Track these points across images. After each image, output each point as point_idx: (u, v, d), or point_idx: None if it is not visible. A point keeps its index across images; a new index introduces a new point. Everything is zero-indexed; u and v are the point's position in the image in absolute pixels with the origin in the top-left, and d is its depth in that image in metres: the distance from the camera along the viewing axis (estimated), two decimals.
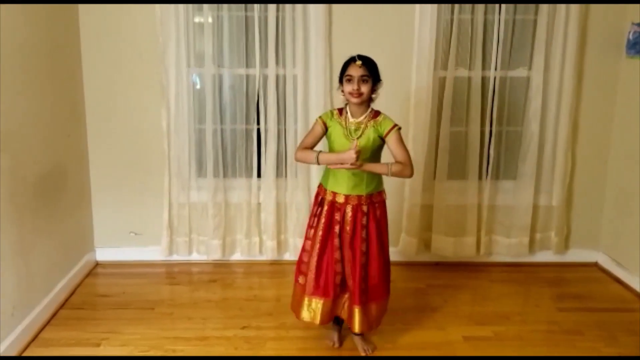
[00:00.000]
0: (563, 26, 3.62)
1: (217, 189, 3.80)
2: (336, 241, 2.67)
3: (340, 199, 2.64)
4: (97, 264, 3.92)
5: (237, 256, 3.97)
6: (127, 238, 3.92)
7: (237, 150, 3.82)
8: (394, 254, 3.91)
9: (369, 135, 2.60)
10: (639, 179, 3.58)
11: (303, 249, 2.80)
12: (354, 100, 2.57)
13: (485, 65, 3.70)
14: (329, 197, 2.67)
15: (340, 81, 2.62)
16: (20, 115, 2.87)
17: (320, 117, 2.72)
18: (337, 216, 2.65)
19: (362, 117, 2.62)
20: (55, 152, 3.31)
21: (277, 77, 3.67)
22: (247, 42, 3.66)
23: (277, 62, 3.65)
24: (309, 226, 2.77)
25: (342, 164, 2.51)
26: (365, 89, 2.54)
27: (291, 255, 3.91)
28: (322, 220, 2.68)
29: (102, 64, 3.67)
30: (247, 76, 3.71)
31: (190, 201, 3.84)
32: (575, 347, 2.94)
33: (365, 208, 2.64)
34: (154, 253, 3.92)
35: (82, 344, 2.90)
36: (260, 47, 3.61)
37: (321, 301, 2.70)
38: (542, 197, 3.90)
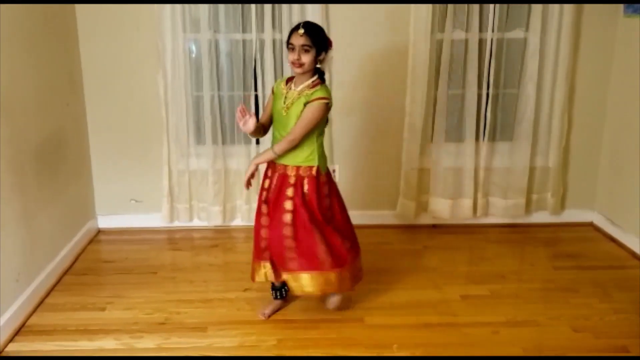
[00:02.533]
0: None
1: (216, 156, 3.82)
2: (263, 207, 2.71)
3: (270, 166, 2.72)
4: (99, 231, 3.96)
5: (237, 222, 4.01)
6: (128, 205, 3.96)
7: (235, 117, 3.81)
8: (392, 217, 3.99)
9: (299, 105, 2.56)
10: (634, 139, 3.60)
11: None
12: (296, 70, 2.54)
13: (482, 27, 3.68)
14: (270, 167, 2.74)
15: (287, 48, 2.57)
16: (20, 85, 2.88)
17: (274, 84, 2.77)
18: (266, 184, 2.71)
19: (301, 86, 2.58)
20: (54, 122, 3.32)
21: (274, 41, 3.65)
22: (243, 6, 3.63)
23: (273, 27, 3.63)
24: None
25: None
26: (306, 58, 2.49)
27: None
28: (266, 191, 2.73)
29: (97, 32, 3.65)
30: (244, 41, 3.69)
31: (189, 168, 3.87)
32: (569, 303, 3.01)
33: (292, 180, 2.64)
34: (155, 220, 3.96)
35: (87, 308, 2.96)
36: (257, 11, 3.59)
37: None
38: (538, 159, 3.93)
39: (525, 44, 3.76)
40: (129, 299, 3.04)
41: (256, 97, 3.78)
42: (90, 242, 3.80)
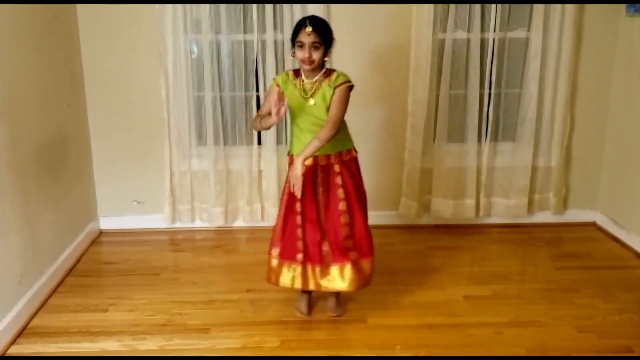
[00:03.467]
0: None
1: (217, 157, 3.82)
2: (297, 205, 2.66)
3: (309, 162, 2.61)
4: (101, 233, 3.96)
5: (239, 223, 4.01)
6: (130, 206, 3.95)
7: (237, 117, 3.82)
8: (394, 217, 3.99)
9: (325, 92, 2.57)
10: (636, 139, 3.60)
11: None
12: (306, 67, 2.54)
13: (484, 26, 3.67)
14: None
15: (292, 44, 2.56)
16: (21, 86, 2.88)
17: (274, 79, 2.69)
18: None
19: (316, 77, 2.59)
20: (56, 122, 3.32)
21: (276, 42, 3.65)
22: (244, 7, 3.62)
23: (275, 27, 3.63)
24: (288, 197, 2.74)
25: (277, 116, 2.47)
26: (316, 55, 2.50)
27: None
28: (287, 185, 2.68)
29: (99, 32, 3.64)
30: (245, 42, 3.69)
31: (191, 169, 3.86)
32: (573, 303, 3.00)
33: (337, 167, 2.65)
34: (157, 221, 3.95)
35: (89, 309, 2.96)
36: (258, 12, 3.58)
37: (299, 266, 2.69)
38: (540, 159, 3.93)
39: (527, 44, 3.75)
40: (131, 300, 3.04)
41: (257, 97, 3.78)
42: (92, 243, 3.80)
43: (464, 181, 3.91)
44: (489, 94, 3.82)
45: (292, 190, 2.59)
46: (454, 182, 3.90)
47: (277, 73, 3.68)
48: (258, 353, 2.60)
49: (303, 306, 2.87)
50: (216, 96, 3.73)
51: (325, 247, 2.69)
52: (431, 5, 3.58)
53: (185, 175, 3.87)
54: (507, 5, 3.67)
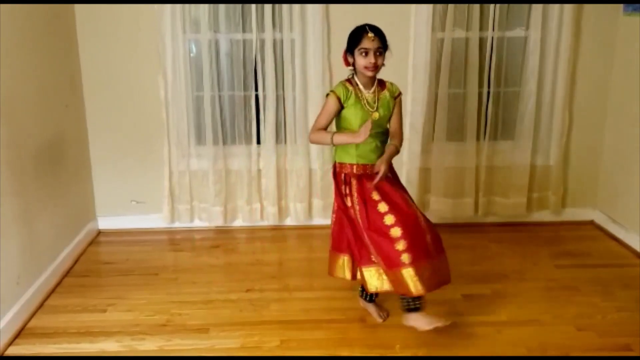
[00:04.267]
0: None
1: (217, 156, 3.81)
2: (357, 216, 2.59)
3: (359, 170, 2.59)
4: (100, 233, 3.95)
5: (238, 222, 4.00)
6: (128, 206, 3.94)
7: (236, 117, 3.82)
8: None
9: (389, 102, 2.60)
10: (635, 137, 3.60)
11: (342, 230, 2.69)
12: (370, 73, 2.52)
13: (482, 25, 3.68)
14: (357, 171, 2.59)
15: (350, 52, 2.54)
16: (20, 87, 2.87)
17: (333, 92, 2.55)
18: (368, 185, 2.58)
19: (373, 87, 2.59)
20: (54, 123, 3.31)
21: (274, 41, 3.65)
22: (243, 6, 3.62)
23: (274, 26, 3.62)
24: (345, 207, 2.62)
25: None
26: (380, 61, 2.50)
27: (292, 220, 3.96)
28: (356, 195, 2.59)
29: (97, 32, 3.64)
30: (244, 41, 3.68)
31: (190, 169, 3.86)
32: (572, 302, 3.00)
33: (390, 174, 2.69)
34: (156, 221, 3.95)
35: (88, 310, 2.95)
36: (257, 11, 3.58)
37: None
38: (539, 157, 3.93)
39: (526, 43, 3.75)
40: (131, 300, 3.03)
41: (257, 97, 3.78)
42: (91, 243, 3.79)
43: (463, 180, 3.91)
44: (488, 93, 3.82)
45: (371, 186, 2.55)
46: (453, 181, 3.90)
47: (276, 72, 3.68)
48: (257, 353, 2.59)
49: (375, 313, 2.85)
50: (215, 96, 3.72)
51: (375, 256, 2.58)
52: (430, 5, 3.58)
53: (184, 175, 3.86)
54: (505, 5, 3.67)
